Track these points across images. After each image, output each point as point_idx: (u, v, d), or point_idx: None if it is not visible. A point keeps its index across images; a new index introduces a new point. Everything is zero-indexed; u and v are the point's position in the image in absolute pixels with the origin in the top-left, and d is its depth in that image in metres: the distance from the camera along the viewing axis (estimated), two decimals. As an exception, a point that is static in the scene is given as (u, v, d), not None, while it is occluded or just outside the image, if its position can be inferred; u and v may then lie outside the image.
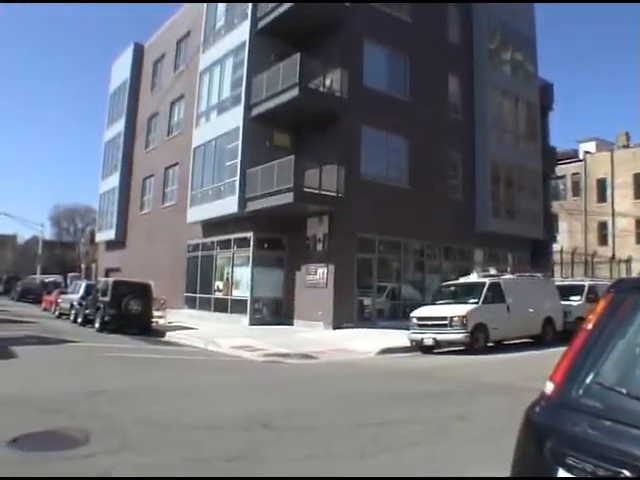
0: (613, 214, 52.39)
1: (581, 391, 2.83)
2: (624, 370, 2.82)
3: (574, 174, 56.05)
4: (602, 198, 53.92)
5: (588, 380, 2.84)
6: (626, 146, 55.62)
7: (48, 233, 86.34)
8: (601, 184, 54.17)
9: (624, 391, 2.66)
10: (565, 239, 49.33)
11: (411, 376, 13.75)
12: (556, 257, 40.11)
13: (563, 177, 55.02)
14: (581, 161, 55.89)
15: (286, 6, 24.92)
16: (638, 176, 51.41)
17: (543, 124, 36.43)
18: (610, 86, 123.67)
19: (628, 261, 43.96)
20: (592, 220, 53.89)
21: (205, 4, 31.28)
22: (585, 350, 2.97)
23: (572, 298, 22.66)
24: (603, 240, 52.95)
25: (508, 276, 20.73)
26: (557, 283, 24.19)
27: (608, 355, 2.88)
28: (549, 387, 3.02)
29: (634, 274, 41.52)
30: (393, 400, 10.23)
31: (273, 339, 19.98)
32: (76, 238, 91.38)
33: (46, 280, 51.77)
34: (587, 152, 56.37)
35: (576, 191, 56.13)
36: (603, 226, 53.65)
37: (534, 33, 35.16)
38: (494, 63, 31.95)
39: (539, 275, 22.61)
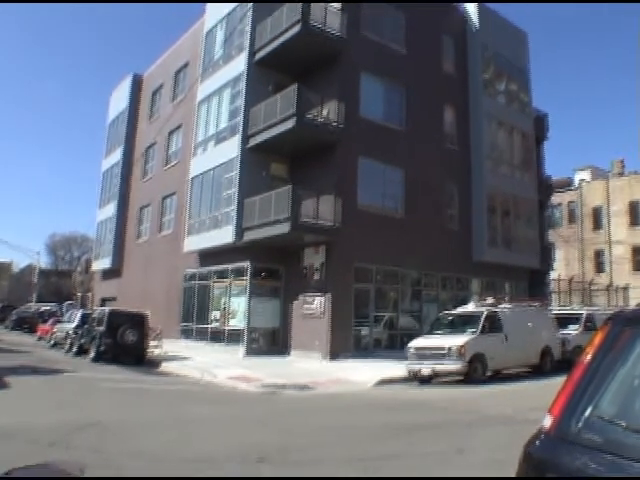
0: (609, 242, 52.53)
1: (580, 424, 2.81)
2: (623, 403, 2.81)
3: (570, 202, 56.32)
4: (598, 226, 54.11)
5: (587, 413, 2.82)
6: (621, 174, 56.01)
7: (44, 261, 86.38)
8: (597, 212, 54.40)
9: (624, 424, 2.64)
10: (562, 267, 49.39)
11: (409, 408, 13.64)
12: (553, 285, 40.11)
13: (559, 205, 55.35)
14: (577, 189, 56.18)
15: (283, 38, 25.18)
16: (633, 204, 51.65)
17: (538, 153, 36.72)
18: (604, 115, 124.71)
19: (625, 289, 43.96)
20: (588, 248, 54.01)
21: (204, 35, 31.58)
22: (584, 383, 2.94)
23: (570, 327, 22.66)
24: (600, 268, 53.04)
25: (505, 306, 20.69)
26: (555, 312, 24.16)
27: (607, 388, 2.86)
28: (548, 421, 2.99)
29: (631, 302, 41.55)
30: (391, 432, 10.14)
31: (269, 370, 19.86)
32: (72, 266, 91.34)
33: (41, 309, 51.45)
34: (582, 180, 56.70)
35: (572, 219, 56.33)
36: (599, 254, 53.77)
37: (528, 63, 35.56)
38: (489, 93, 32.23)
39: (536, 304, 22.59)
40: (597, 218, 54.36)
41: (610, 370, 2.90)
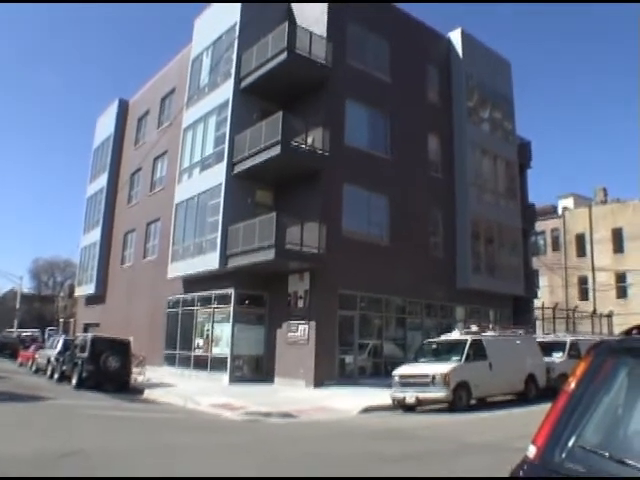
0: (593, 269, 52.85)
1: (564, 454, 2.80)
2: (606, 432, 2.80)
3: (553, 230, 56.72)
4: (582, 253, 54.47)
5: (570, 443, 2.81)
6: (604, 201, 56.58)
7: (27, 286, 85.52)
8: (580, 239, 54.79)
9: (607, 454, 2.63)
10: (546, 294, 49.58)
11: (393, 436, 13.54)
12: (537, 313, 40.18)
13: (543, 233, 55.71)
14: (560, 217, 56.64)
15: (269, 66, 25.37)
16: (616, 231, 52.08)
17: (522, 181, 37.04)
18: (587, 143, 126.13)
19: (609, 316, 44.10)
20: (572, 275, 54.28)
21: (190, 62, 31.74)
22: (567, 413, 2.94)
23: (554, 354, 22.70)
24: (584, 295, 53.28)
25: (490, 333, 20.72)
26: (539, 339, 24.20)
27: (590, 417, 2.86)
28: (532, 451, 2.98)
29: (616, 329, 41.65)
30: (375, 461, 10.05)
31: (253, 397, 19.71)
32: (55, 292, 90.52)
33: (23, 334, 50.95)
34: (565, 208, 57.19)
35: (556, 246, 56.68)
36: (583, 281, 54.05)
37: (511, 92, 35.98)
38: (473, 122, 32.54)
39: (521, 332, 22.62)
40: (581, 245, 54.74)
41: (593, 400, 2.90)
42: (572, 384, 3.05)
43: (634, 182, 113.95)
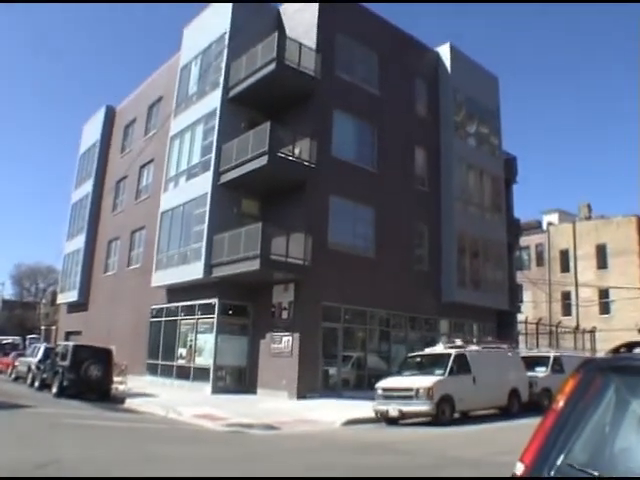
0: (576, 284, 53.15)
1: (552, 472, 2.78)
2: (594, 451, 2.79)
3: (538, 245, 57.07)
4: (565, 268, 54.81)
5: (559, 461, 2.79)
6: (588, 218, 56.98)
7: (8, 292, 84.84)
8: (564, 255, 55.15)
9: (596, 473, 2.61)
10: (529, 309, 49.72)
11: (376, 449, 13.46)
12: (521, 327, 40.29)
13: (527, 248, 55.97)
14: (544, 232, 56.95)
15: (258, 76, 25.38)
16: (600, 247, 52.44)
17: (507, 196, 37.18)
18: (572, 160, 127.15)
19: (592, 332, 44.30)
20: (556, 290, 54.56)
21: (179, 70, 31.71)
22: (555, 430, 2.91)
23: (538, 369, 22.80)
24: (567, 310, 53.56)
25: (474, 347, 20.72)
26: (523, 354, 24.28)
27: (579, 435, 2.84)
28: (519, 468, 2.95)
29: (598, 344, 41.88)
30: (358, 475, 9.97)
31: (236, 408, 19.56)
32: (37, 298, 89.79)
33: (3, 341, 50.47)
34: (550, 224, 57.51)
35: (540, 261, 57.01)
36: (567, 296, 54.35)
37: (498, 107, 36.20)
38: (460, 136, 32.67)
39: (505, 346, 22.66)
40: (565, 261, 55.08)
41: (582, 418, 2.87)
42: (560, 402, 3.02)
43: (618, 198, 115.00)
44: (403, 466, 10.88)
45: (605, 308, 51.28)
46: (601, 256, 52.45)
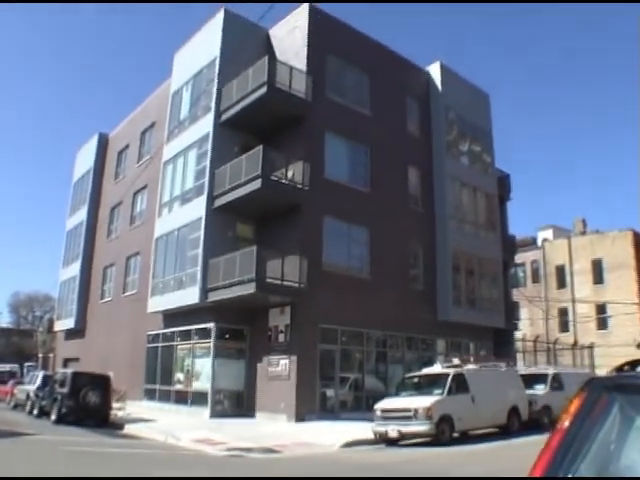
0: (573, 300, 53.09)
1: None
2: (599, 469, 2.75)
3: (533, 261, 57.09)
4: (562, 284, 54.81)
5: (566, 480, 2.75)
6: (583, 233, 57.05)
7: (5, 320, 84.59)
8: (560, 271, 55.17)
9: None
10: (526, 326, 49.68)
11: (376, 471, 13.34)
12: (518, 345, 40.21)
13: (522, 265, 55.95)
14: (540, 248, 56.99)
15: (249, 100, 25.47)
16: (596, 262, 52.48)
17: (502, 213, 37.26)
18: (566, 175, 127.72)
19: (590, 347, 44.19)
20: (553, 307, 54.48)
21: (170, 96, 31.80)
22: (561, 450, 2.88)
23: (537, 387, 22.70)
24: (564, 327, 53.43)
25: (472, 366, 20.64)
26: (521, 372, 24.18)
27: (585, 454, 2.81)
28: (527, 487, 2.91)
29: (597, 360, 41.74)
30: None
31: (235, 432, 19.44)
32: (34, 326, 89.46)
33: (1, 369, 50.18)
34: (545, 240, 57.58)
35: (536, 278, 56.99)
36: (564, 312, 54.25)
37: (490, 124, 36.36)
38: (452, 154, 32.77)
39: (502, 364, 22.58)
40: (561, 277, 55.11)
41: (588, 436, 2.85)
42: (566, 422, 2.99)
43: (613, 213, 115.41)
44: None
45: (603, 324, 51.24)
46: (597, 271, 52.49)
